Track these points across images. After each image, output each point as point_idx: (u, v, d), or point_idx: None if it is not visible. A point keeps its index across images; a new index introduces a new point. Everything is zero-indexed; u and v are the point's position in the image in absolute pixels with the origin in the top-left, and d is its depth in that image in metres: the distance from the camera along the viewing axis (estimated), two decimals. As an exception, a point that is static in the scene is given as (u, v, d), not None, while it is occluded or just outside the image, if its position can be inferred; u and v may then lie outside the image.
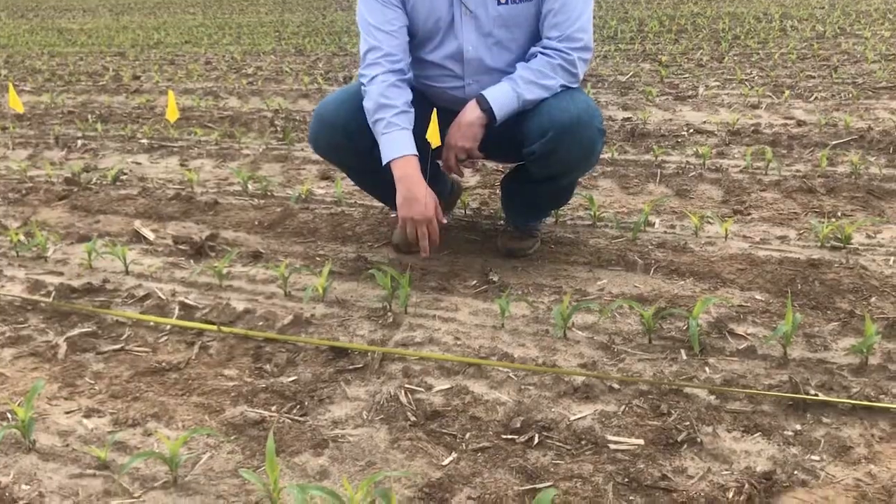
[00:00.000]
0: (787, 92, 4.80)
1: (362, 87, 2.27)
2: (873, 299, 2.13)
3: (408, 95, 2.26)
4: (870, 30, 7.56)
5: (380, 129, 2.22)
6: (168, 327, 2.14)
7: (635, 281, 2.33)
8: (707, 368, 1.83)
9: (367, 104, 2.24)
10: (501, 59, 2.31)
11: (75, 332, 2.12)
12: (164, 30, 10.83)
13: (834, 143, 3.67)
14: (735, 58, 6.33)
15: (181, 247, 2.73)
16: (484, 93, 2.22)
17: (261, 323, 2.15)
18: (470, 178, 3.41)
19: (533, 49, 2.27)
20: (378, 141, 2.24)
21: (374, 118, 2.23)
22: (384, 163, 2.21)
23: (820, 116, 4.15)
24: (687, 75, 5.67)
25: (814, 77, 5.36)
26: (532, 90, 2.21)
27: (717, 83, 5.32)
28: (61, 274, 2.56)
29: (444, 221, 2.30)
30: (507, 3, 2.24)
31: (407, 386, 1.80)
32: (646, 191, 3.18)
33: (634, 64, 6.25)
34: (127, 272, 2.53)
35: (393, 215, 2.91)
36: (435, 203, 2.23)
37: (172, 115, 2.63)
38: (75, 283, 2.43)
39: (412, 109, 2.26)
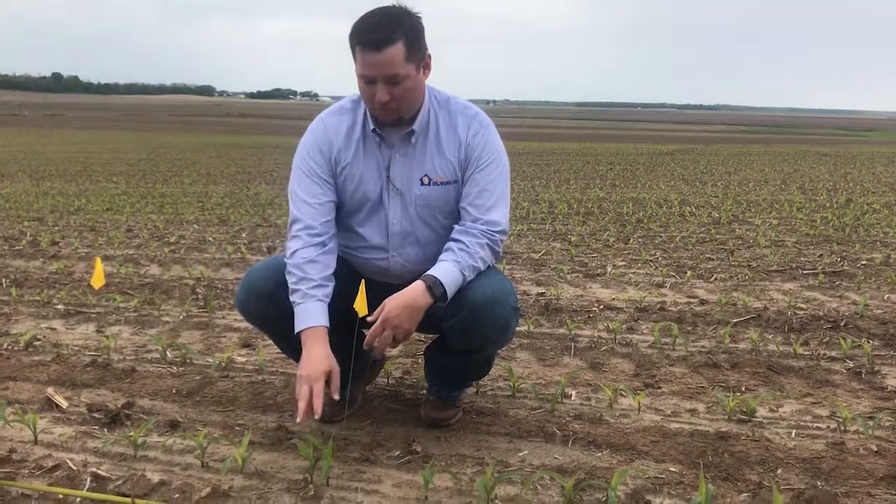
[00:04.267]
0: (689, 272, 5.13)
1: (285, 259, 2.36)
2: (779, 471, 2.23)
3: (326, 269, 2.34)
4: (759, 217, 8.23)
5: (296, 300, 2.30)
6: (78, 500, 2.05)
7: (555, 452, 2.38)
8: (627, 539, 1.86)
9: (289, 278, 2.33)
10: (423, 234, 2.45)
11: (-24, 505, 2.01)
12: (85, 197, 10.84)
13: (735, 321, 3.91)
14: (639, 239, 6.75)
15: (95, 415, 2.65)
16: (438, 277, 2.24)
17: (177, 495, 2.08)
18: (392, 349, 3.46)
19: (458, 228, 2.39)
20: (294, 311, 2.30)
21: (292, 288, 2.32)
22: (297, 331, 2.27)
23: (720, 296, 4.43)
24: (595, 255, 6.00)
25: (713, 259, 5.75)
26: (471, 272, 2.32)
27: (624, 263, 5.65)
28: (-37, 443, 2.44)
29: (336, 398, 2.23)
30: (429, 184, 2.41)
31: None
32: (561, 363, 3.30)
33: (546, 243, 6.59)
34: (36, 441, 2.44)
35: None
36: (327, 368, 2.19)
37: (98, 281, 2.62)
38: (-21, 454, 2.32)
39: (330, 283, 2.34)
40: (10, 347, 3.51)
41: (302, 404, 2.15)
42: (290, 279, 2.33)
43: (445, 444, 2.44)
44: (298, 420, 2.15)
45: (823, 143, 38.85)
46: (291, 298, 2.31)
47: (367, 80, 2.25)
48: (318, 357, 2.21)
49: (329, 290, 2.33)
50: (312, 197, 2.40)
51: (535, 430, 2.53)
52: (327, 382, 2.21)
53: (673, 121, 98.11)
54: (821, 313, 4.05)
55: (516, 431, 2.53)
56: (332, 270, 2.36)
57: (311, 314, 2.27)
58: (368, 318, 2.22)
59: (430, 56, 2.33)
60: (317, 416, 2.15)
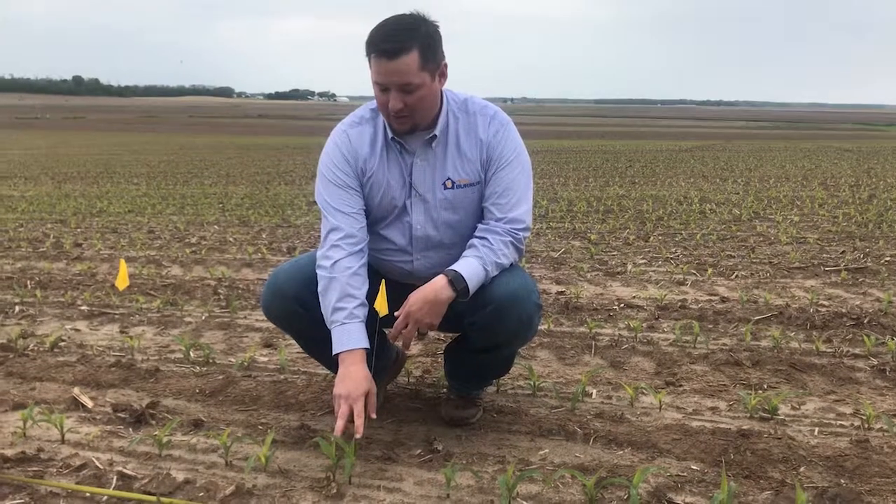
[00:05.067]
0: (710, 270, 5.11)
1: (321, 269, 2.34)
2: (802, 469, 2.22)
3: (366, 283, 2.35)
4: (780, 214, 8.16)
5: (340, 318, 2.28)
6: (105, 498, 2.08)
7: (576, 450, 2.38)
8: (649, 537, 1.86)
9: (331, 292, 2.30)
10: (448, 236, 2.46)
11: (6, 503, 2.04)
12: (106, 199, 10.95)
13: (756, 318, 3.89)
14: (660, 237, 6.72)
15: (120, 415, 2.69)
16: (459, 271, 2.26)
17: (202, 494, 2.11)
18: (413, 346, 3.48)
19: (482, 226, 2.40)
20: (331, 327, 2.30)
21: (335, 304, 2.29)
22: (338, 352, 2.26)
23: (741, 293, 4.41)
24: (615, 253, 5.98)
25: (733, 256, 5.72)
26: (495, 269, 2.33)
27: (644, 261, 5.62)
28: (-8, 443, 2.48)
29: (373, 416, 2.25)
30: (452, 188, 2.42)
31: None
32: (582, 362, 3.29)
33: (565, 241, 6.57)
34: (63, 441, 2.47)
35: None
36: (367, 389, 2.22)
37: (122, 283, 2.66)
38: (8, 453, 2.35)
39: (367, 303, 2.34)
40: (36, 348, 3.56)
41: (341, 423, 2.16)
42: (331, 293, 2.30)
43: (466, 443, 2.45)
44: (336, 435, 2.16)
45: (845, 138, 38.45)
46: (333, 314, 2.30)
47: (381, 88, 2.26)
48: (358, 377, 2.22)
49: (367, 309, 2.34)
50: (347, 206, 2.41)
51: (556, 429, 2.54)
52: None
53: (692, 117, 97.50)
54: (843, 310, 4.02)
55: (537, 430, 2.53)
56: (368, 284, 2.37)
57: (354, 336, 2.27)
58: (395, 314, 2.25)
59: (445, 64, 2.32)
60: (357, 436, 2.16)
